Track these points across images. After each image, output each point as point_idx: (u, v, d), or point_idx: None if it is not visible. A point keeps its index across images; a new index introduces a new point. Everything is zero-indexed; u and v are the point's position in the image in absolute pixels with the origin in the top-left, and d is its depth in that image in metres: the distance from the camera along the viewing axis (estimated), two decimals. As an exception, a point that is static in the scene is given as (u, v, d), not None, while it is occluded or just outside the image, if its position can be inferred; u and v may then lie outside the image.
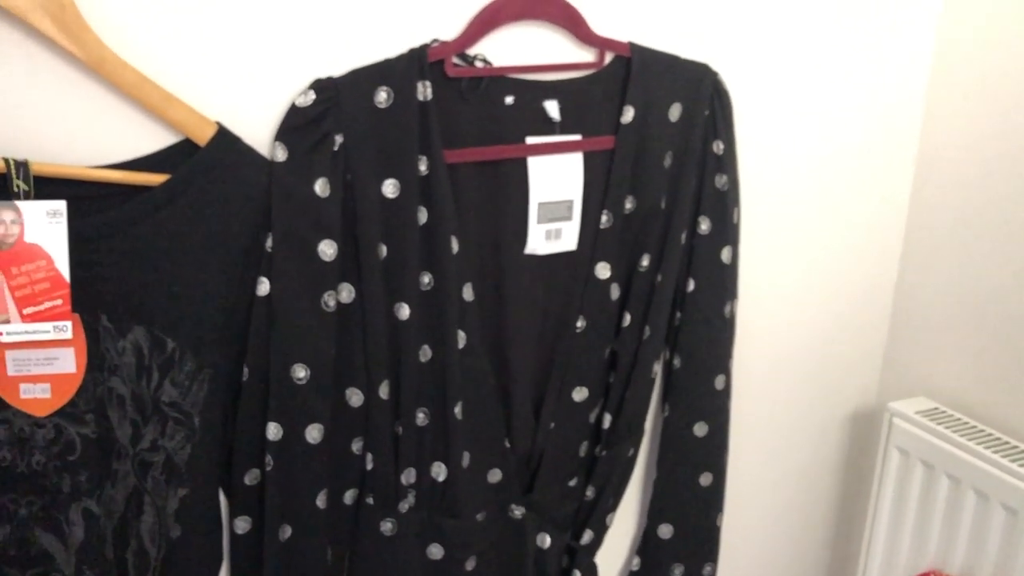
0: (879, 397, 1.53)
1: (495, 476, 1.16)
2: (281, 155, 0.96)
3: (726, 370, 1.25)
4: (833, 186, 1.37)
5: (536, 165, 1.09)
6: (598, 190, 1.12)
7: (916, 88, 1.39)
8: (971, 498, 1.25)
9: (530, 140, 1.08)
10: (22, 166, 0.86)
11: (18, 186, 0.85)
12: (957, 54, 1.35)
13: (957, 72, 1.35)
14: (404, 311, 1.05)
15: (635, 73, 1.10)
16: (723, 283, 1.22)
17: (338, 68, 0.99)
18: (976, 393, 1.37)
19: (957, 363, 1.39)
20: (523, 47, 1.08)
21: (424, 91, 0.99)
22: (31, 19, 0.84)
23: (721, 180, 1.18)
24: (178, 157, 0.94)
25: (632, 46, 1.10)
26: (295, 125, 0.96)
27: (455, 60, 1.03)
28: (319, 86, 0.96)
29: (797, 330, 1.42)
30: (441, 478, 1.11)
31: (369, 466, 1.09)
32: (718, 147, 1.17)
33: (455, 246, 1.05)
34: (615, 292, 1.17)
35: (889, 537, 1.38)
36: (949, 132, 1.37)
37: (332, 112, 0.97)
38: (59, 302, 0.88)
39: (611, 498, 1.25)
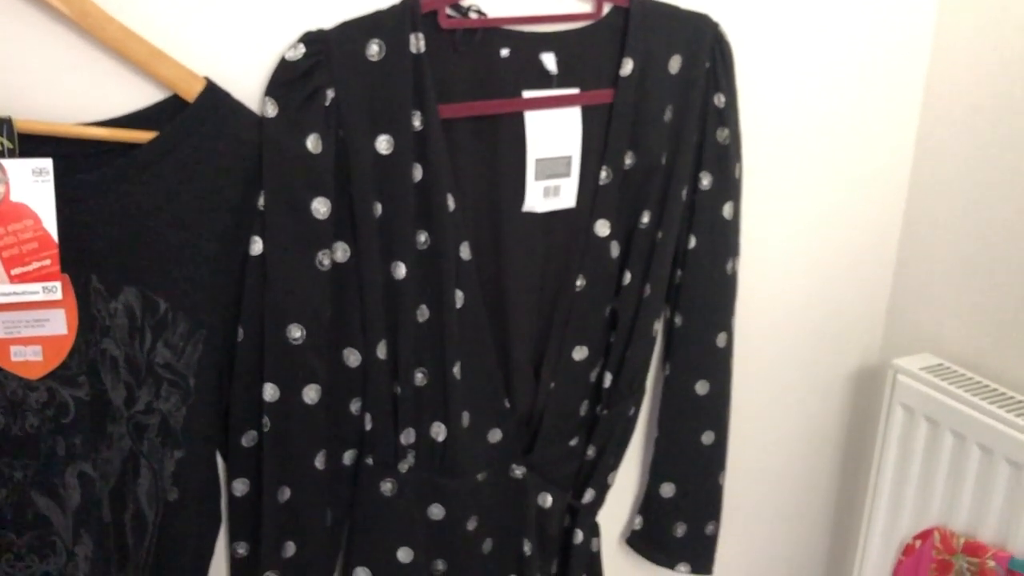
0: (883, 353, 1.51)
1: (495, 436, 1.15)
2: (271, 110, 0.94)
3: (728, 327, 1.24)
4: (836, 139, 1.35)
5: (533, 120, 1.06)
6: (597, 145, 1.10)
7: (920, 40, 1.36)
8: (976, 454, 1.24)
9: (527, 94, 1.06)
10: (6, 123, 0.83)
11: (2, 144, 0.83)
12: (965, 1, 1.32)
13: (962, 21, 1.32)
14: (400, 270, 1.03)
15: (634, 24, 1.07)
16: (725, 239, 1.20)
17: (328, 20, 0.96)
18: (981, 349, 1.35)
19: (962, 319, 1.38)
20: (519, -2, 1.05)
21: (417, 43, 0.97)
22: (11, -29, 0.82)
23: (723, 134, 1.16)
24: (166, 114, 0.92)
25: (631, -4, 1.08)
26: (285, 79, 0.94)
27: (448, 11, 1.00)
28: (309, 39, 0.94)
29: (800, 286, 1.40)
30: (441, 438, 1.10)
31: (368, 426, 1.08)
32: (719, 100, 1.14)
33: (451, 204, 1.03)
34: (615, 250, 1.15)
35: (893, 494, 1.37)
36: (954, 84, 1.35)
37: (323, 66, 0.94)
38: (48, 262, 0.86)
39: (612, 457, 1.25)
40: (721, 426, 1.28)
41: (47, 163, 0.85)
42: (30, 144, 0.86)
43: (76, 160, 0.89)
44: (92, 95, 0.90)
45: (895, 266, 1.47)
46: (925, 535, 1.31)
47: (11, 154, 0.84)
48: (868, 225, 1.43)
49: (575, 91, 1.08)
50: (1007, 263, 1.30)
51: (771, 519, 1.54)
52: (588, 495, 1.24)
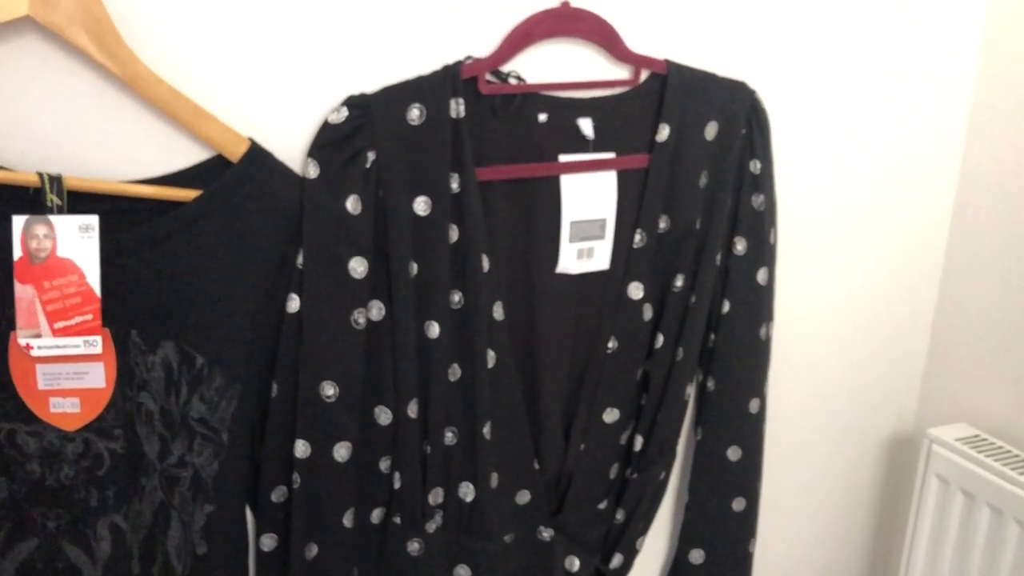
0: (918, 423, 1.49)
1: (524, 497, 1.14)
2: (313, 172, 0.96)
3: (761, 393, 1.23)
4: (872, 207, 1.34)
5: (569, 183, 1.07)
6: (632, 209, 1.11)
7: (958, 111, 1.36)
8: (1014, 530, 1.21)
9: (563, 158, 1.07)
10: (56, 181, 0.86)
11: (52, 200, 0.86)
12: (1002, 75, 1.32)
13: (1001, 94, 1.32)
14: (434, 329, 1.04)
15: (671, 91, 1.09)
16: (759, 305, 1.19)
17: (371, 84, 0.98)
18: (1020, 420, 1.33)
19: (999, 389, 1.36)
20: (557, 64, 1.07)
21: (457, 108, 0.99)
22: (68, 34, 0.85)
23: (758, 200, 1.16)
24: (211, 173, 0.94)
25: (668, 63, 1.09)
26: (328, 142, 0.96)
27: (488, 77, 1.02)
28: (352, 103, 0.96)
29: (834, 353, 1.39)
30: (469, 499, 1.10)
31: (397, 485, 1.08)
32: (755, 166, 1.15)
33: (486, 264, 1.04)
34: (648, 312, 1.15)
35: (927, 568, 1.34)
36: (992, 154, 1.34)
37: (365, 129, 0.96)
38: (89, 317, 0.88)
39: (641, 521, 1.23)
40: (752, 493, 1.26)
41: (93, 220, 0.87)
42: (78, 201, 0.88)
43: (122, 217, 0.91)
44: (139, 154, 0.93)
45: (931, 333, 1.46)
46: (961, 611, 1.28)
47: (60, 211, 0.86)
48: (904, 292, 1.42)
49: (611, 156, 1.09)
50: (1046, 335, 1.29)
51: (802, 588, 1.52)
52: (616, 559, 1.22)
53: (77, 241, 0.87)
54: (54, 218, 0.86)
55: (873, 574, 1.57)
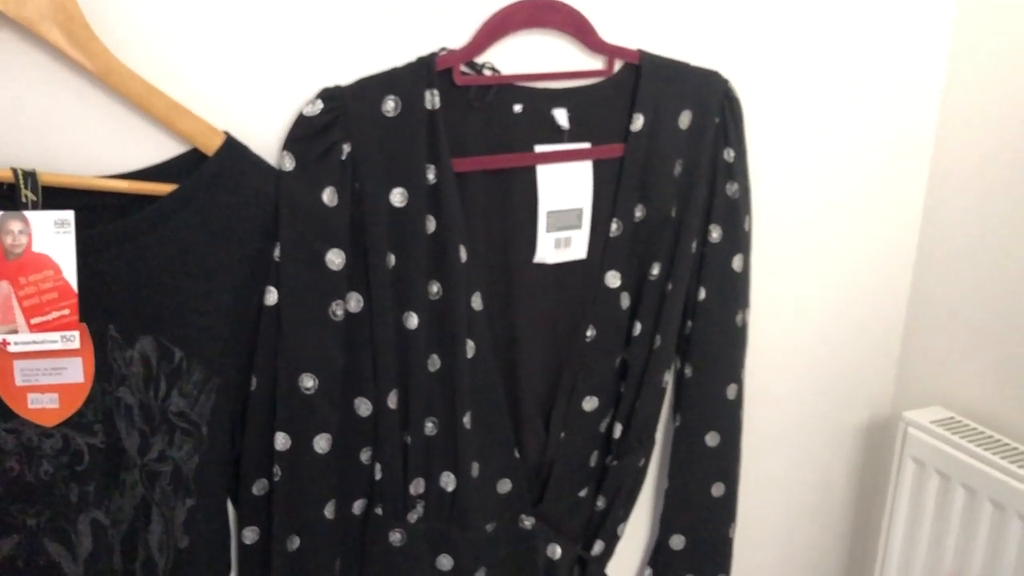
0: (894, 406, 1.51)
1: (505, 486, 1.15)
2: (289, 164, 0.96)
3: (738, 379, 1.24)
4: (846, 193, 1.36)
5: (545, 173, 1.08)
6: (608, 198, 1.12)
7: (931, 94, 1.37)
8: (988, 509, 1.23)
9: (539, 148, 1.07)
10: (30, 176, 0.86)
11: (26, 196, 0.85)
12: (972, 64, 1.34)
13: (972, 79, 1.34)
14: (412, 320, 1.04)
15: (645, 80, 1.09)
16: (734, 291, 1.21)
17: (346, 77, 0.98)
18: (993, 402, 1.35)
19: (973, 372, 1.38)
20: (532, 55, 1.07)
21: (432, 100, 0.99)
22: (39, 29, 0.84)
23: (732, 188, 1.17)
24: (186, 167, 0.94)
25: (642, 53, 1.10)
26: (303, 134, 0.96)
27: (463, 68, 1.02)
28: (327, 95, 0.96)
29: (810, 339, 1.40)
30: (450, 488, 1.10)
31: (378, 476, 1.08)
32: (729, 155, 1.16)
33: (463, 255, 1.04)
34: (625, 301, 1.16)
35: (904, 548, 1.36)
36: (964, 138, 1.36)
37: (340, 121, 0.96)
38: (66, 312, 0.88)
39: (622, 508, 1.24)
40: (731, 478, 1.27)
41: (69, 215, 0.87)
42: (53, 196, 0.88)
43: (97, 212, 0.91)
44: (114, 149, 0.93)
45: (905, 318, 1.48)
46: (938, 591, 1.30)
47: (35, 206, 0.86)
48: (878, 276, 1.43)
49: (586, 145, 1.10)
50: (1019, 316, 1.31)
51: (781, 572, 1.53)
52: (597, 546, 1.23)
53: (53, 236, 0.87)
54: (29, 214, 0.86)
55: (852, 553, 1.59)
